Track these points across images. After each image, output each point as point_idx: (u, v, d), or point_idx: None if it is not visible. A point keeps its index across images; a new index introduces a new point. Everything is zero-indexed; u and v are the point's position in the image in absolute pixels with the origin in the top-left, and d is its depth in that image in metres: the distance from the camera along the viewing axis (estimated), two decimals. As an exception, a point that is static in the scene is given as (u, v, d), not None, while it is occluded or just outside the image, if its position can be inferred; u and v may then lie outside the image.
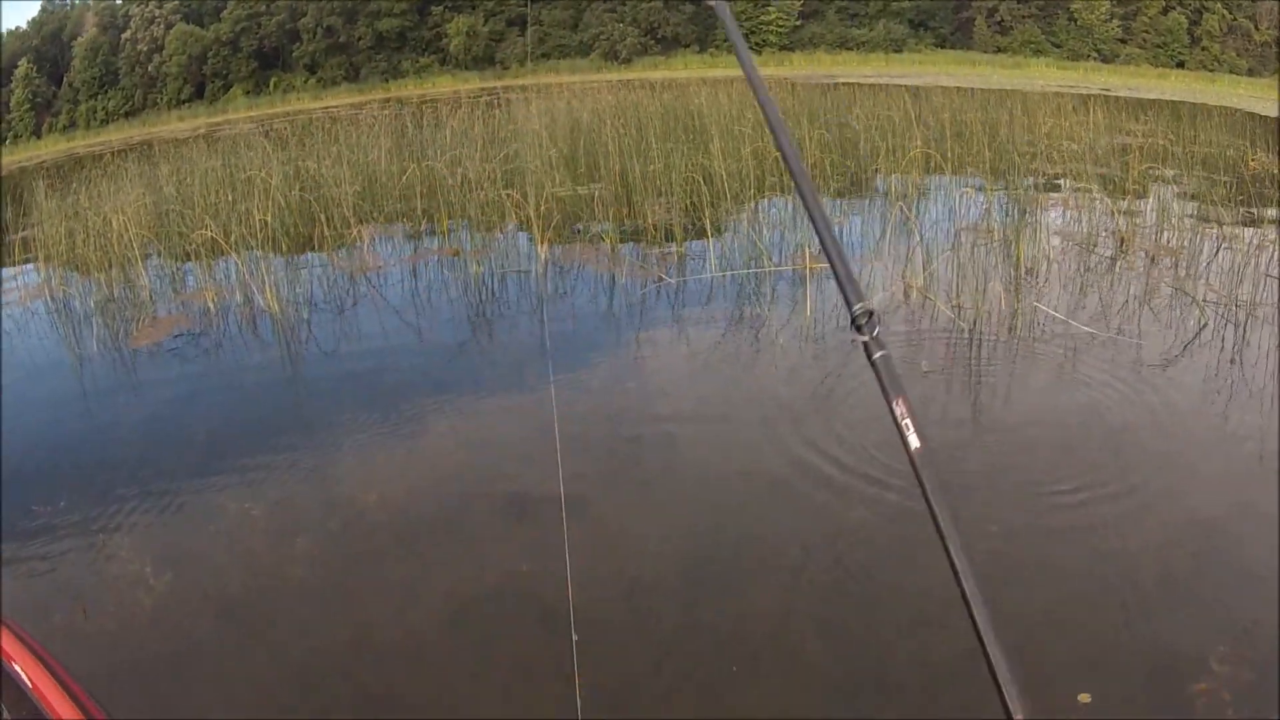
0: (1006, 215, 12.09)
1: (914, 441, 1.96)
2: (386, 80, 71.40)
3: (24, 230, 16.90)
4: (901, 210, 12.73)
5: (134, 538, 5.87)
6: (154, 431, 7.79)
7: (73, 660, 3.49)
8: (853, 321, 2.09)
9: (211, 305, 11.09)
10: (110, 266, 12.63)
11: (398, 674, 4.56)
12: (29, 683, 3.39)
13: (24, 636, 3.66)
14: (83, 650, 4.63)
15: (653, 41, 70.60)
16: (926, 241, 10.62)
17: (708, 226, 12.04)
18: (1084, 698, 4.05)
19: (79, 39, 74.06)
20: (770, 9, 70.07)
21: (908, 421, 1.98)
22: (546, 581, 5.04)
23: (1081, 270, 10.42)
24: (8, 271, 14.78)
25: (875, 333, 2.07)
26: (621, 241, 12.57)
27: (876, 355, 2.06)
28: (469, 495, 6.39)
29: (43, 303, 12.16)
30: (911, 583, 4.96)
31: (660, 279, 10.88)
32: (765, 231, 12.32)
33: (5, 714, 3.20)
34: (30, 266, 14.46)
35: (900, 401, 1.98)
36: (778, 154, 14.15)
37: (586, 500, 6.04)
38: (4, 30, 76.35)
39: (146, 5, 72.63)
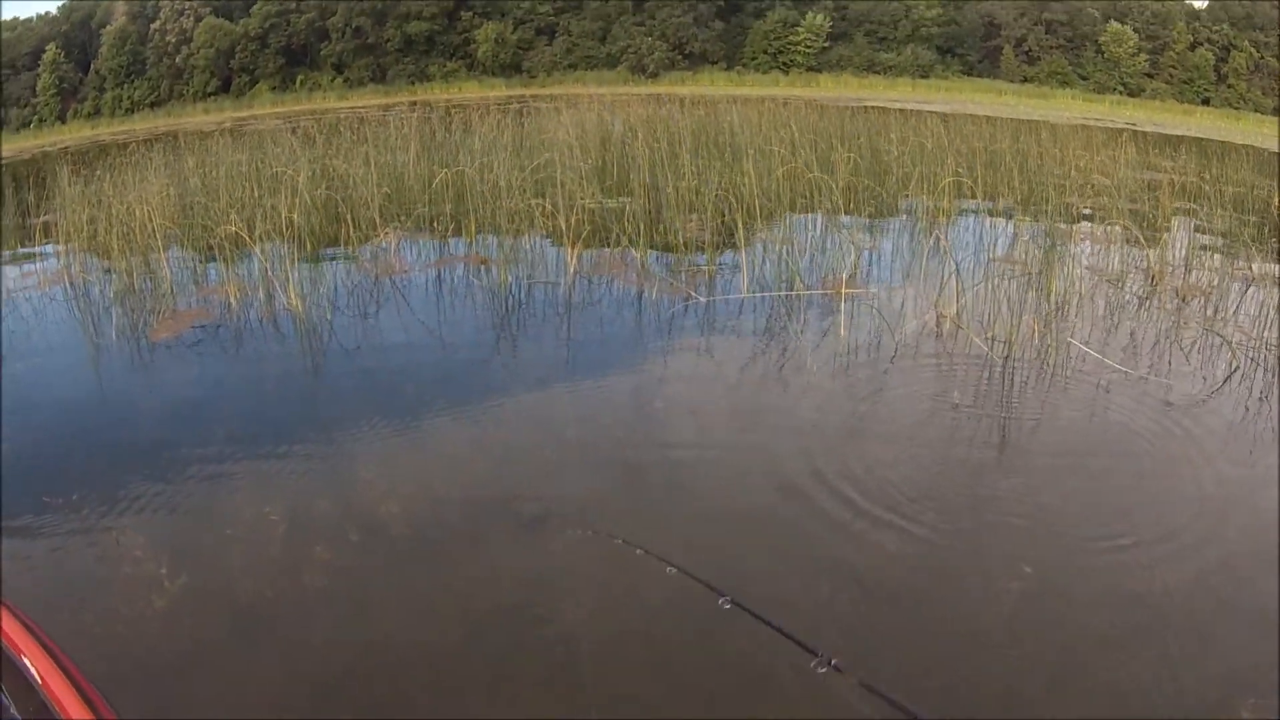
0: (1038, 247, 11.96)
1: None
2: (413, 83, 71.52)
3: (45, 215, 16.80)
4: (936, 238, 12.63)
5: (148, 535, 5.74)
6: (172, 427, 7.62)
7: (79, 657, 3.50)
8: None
9: (233, 301, 10.93)
10: (131, 256, 12.48)
11: (411, 686, 4.47)
12: (38, 677, 3.40)
13: (34, 629, 3.70)
14: (89, 648, 4.49)
15: (680, 57, 70.63)
16: (959, 270, 10.44)
17: (740, 245, 11.90)
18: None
19: (108, 27, 74.21)
20: (799, 29, 70.10)
21: None
22: (563, 598, 5.03)
23: (1113, 307, 10.26)
24: (26, 255, 14.64)
25: None
26: (652, 257, 12.41)
27: None
28: (487, 507, 6.26)
29: (61, 289, 12.05)
30: (924, 623, 4.93)
31: (690, 297, 10.72)
32: (798, 253, 12.12)
33: (12, 709, 3.23)
34: (50, 250, 14.36)
35: None
36: (811, 176, 14.22)
37: (605, 517, 5.91)
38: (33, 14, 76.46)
39: (176, -2, 72.82)
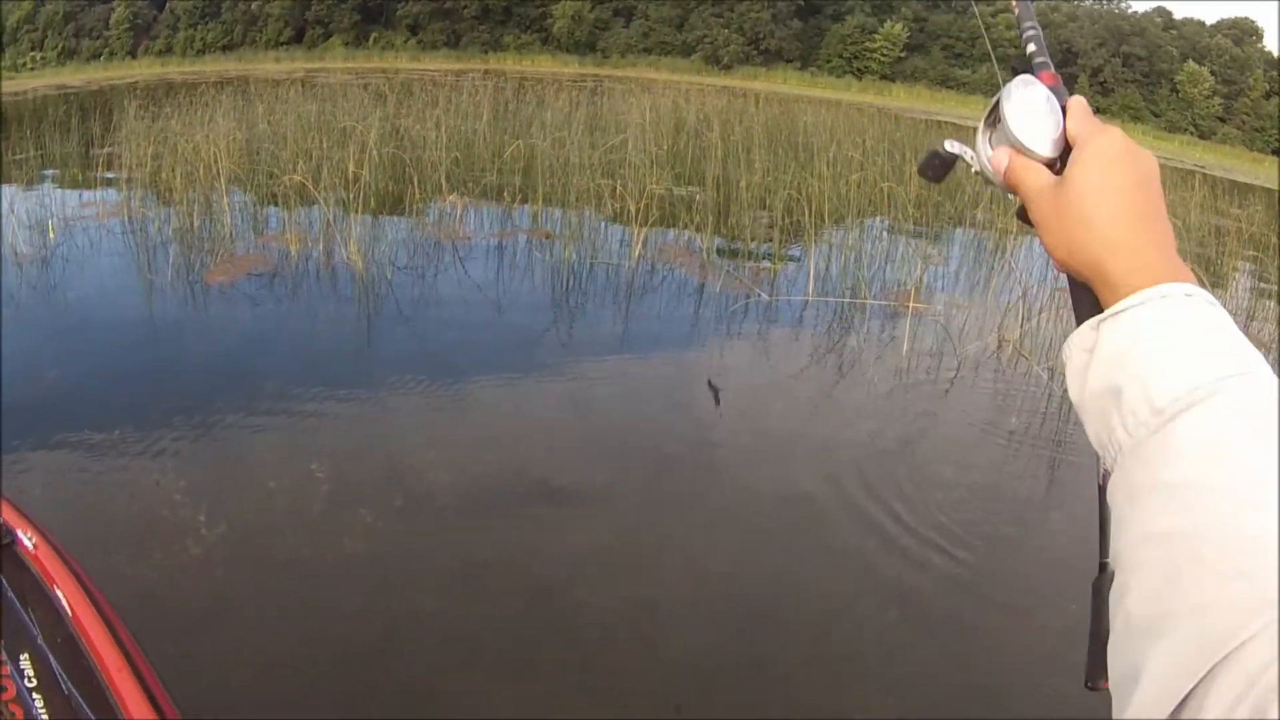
0: None
1: None
2: (485, 52, 71.56)
3: (109, 146, 16.78)
4: (1003, 260, 12.48)
5: (189, 480, 5.63)
6: (221, 373, 7.55)
7: (108, 595, 3.59)
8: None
9: (293, 250, 10.84)
10: (193, 195, 12.39)
11: (441, 662, 4.39)
12: (68, 609, 3.61)
13: (68, 560, 3.91)
14: (118, 589, 4.27)
15: (755, 52, 70.42)
16: (1020, 296, 10.29)
17: (806, 247, 11.77)
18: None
19: (181, -32, 74.43)
20: (876, 37, 69.84)
21: None
22: (595, 583, 5.01)
23: None
24: (87, 186, 14.58)
25: None
26: (717, 249, 12.28)
27: None
28: (531, 484, 6.15)
29: (120, 221, 11.95)
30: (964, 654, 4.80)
31: (754, 293, 10.57)
32: (865, 261, 11.94)
33: (40, 640, 3.41)
34: (111, 181, 14.27)
35: None
36: (885, 185, 14.08)
37: (643, 506, 5.92)
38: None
39: (259, -56, 72.97)
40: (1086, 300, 1.02)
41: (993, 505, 6.38)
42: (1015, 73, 1.22)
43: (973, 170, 1.16)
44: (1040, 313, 10.17)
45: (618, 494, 6.11)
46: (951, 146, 1.19)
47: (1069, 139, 1.07)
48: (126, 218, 12.12)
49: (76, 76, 54.16)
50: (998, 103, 1.12)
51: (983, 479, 6.72)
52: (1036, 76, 1.15)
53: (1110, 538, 0.85)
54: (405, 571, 5.01)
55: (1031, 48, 1.31)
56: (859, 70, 70.01)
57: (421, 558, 5.15)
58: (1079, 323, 0.98)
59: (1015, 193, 1.09)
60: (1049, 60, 1.26)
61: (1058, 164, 1.07)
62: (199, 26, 73.34)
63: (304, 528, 5.27)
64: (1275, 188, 33.95)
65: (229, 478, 5.80)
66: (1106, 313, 0.92)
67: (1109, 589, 0.80)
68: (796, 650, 4.68)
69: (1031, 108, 1.10)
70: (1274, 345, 10.56)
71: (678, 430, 7.18)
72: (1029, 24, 1.33)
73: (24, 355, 7.50)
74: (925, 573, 5.43)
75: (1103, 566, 0.97)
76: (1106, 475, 0.89)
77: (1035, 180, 1.06)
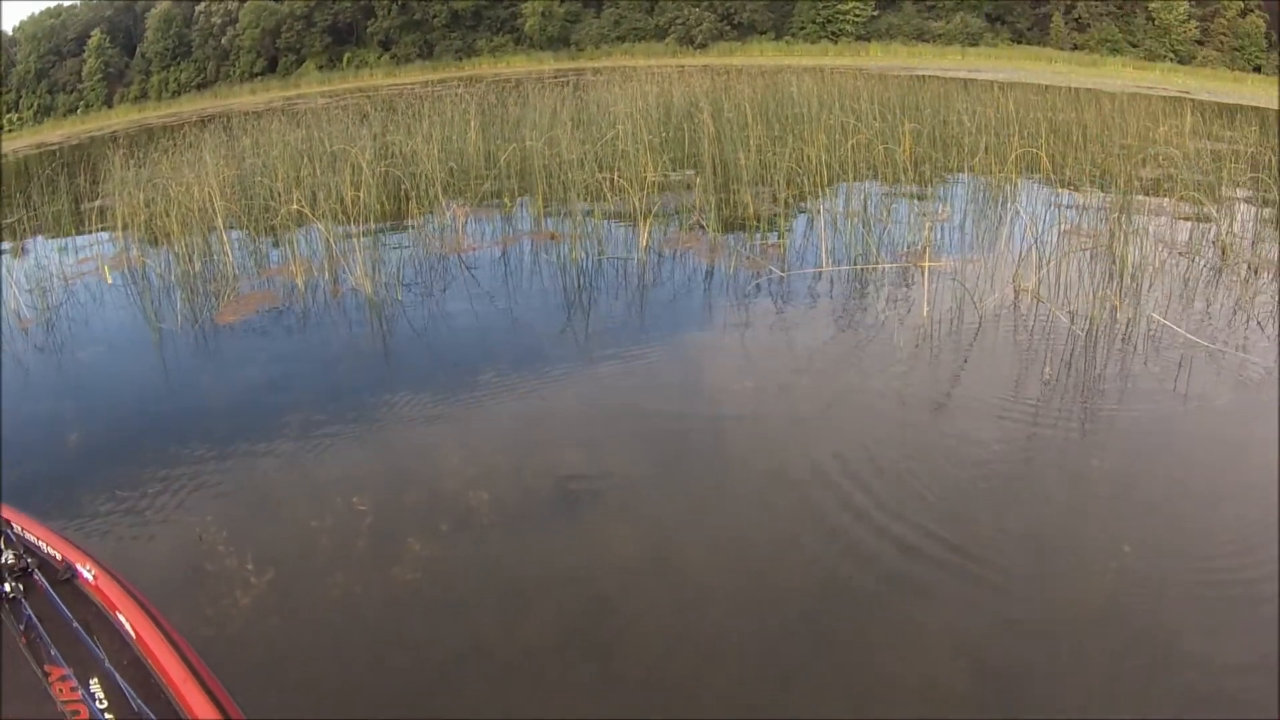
0: (1108, 220, 11.71)
1: None
2: (460, 58, 71.72)
3: (99, 200, 16.73)
4: (1010, 210, 12.50)
5: (231, 529, 5.55)
6: (246, 414, 7.43)
7: None
8: None
9: (299, 281, 10.74)
10: (191, 238, 12.30)
11: (509, 687, 4.32)
12: (132, 632, 3.98)
13: (128, 587, 4.25)
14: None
15: (728, 27, 70.36)
16: (1032, 243, 10.21)
17: (812, 218, 11.71)
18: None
19: (153, 10, 74.63)
20: (848, -2, 69.78)
21: None
22: (655, 594, 4.93)
23: (1186, 279, 10.03)
24: (82, 240, 14.47)
25: None
26: (724, 231, 12.16)
27: None
28: (576, 494, 6.03)
29: (120, 274, 11.83)
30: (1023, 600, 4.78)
31: (769, 271, 10.48)
32: (871, 226, 11.84)
33: (106, 663, 3.76)
34: (105, 236, 14.19)
35: None
36: (883, 147, 14.01)
37: (690, 506, 5.85)
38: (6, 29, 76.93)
39: (221, -22, 73.11)
40: None
41: (1038, 453, 6.34)
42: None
43: None
44: (1049, 260, 10.05)
45: (658, 490, 6.03)
46: None
47: None
48: (126, 269, 12.01)
49: (55, 133, 54.39)
50: None
51: (1022, 429, 6.63)
52: None
53: None
54: (460, 596, 4.94)
55: None
56: (834, 34, 69.82)
57: (475, 581, 5.07)
58: None
59: None
60: None
61: None
62: (171, 68, 73.59)
63: (352, 564, 5.17)
64: (1260, 105, 33.85)
65: (270, 522, 5.71)
66: None
67: None
68: (868, 628, 4.63)
69: None
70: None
71: (710, 418, 7.09)
72: None
73: (42, 421, 7.41)
74: (977, 523, 5.43)
75: None
76: None
77: None
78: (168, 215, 12.75)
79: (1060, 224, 11.82)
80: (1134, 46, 65.94)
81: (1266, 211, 12.70)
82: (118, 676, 3.69)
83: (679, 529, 5.56)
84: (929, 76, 32.94)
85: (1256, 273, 10.32)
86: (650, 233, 11.61)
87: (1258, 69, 61.67)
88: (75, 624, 4.03)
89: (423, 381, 7.90)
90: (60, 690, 3.70)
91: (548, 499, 5.95)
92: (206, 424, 7.21)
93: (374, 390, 7.79)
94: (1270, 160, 15.69)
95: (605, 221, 12.64)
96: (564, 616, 4.76)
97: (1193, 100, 28.64)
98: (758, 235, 12.01)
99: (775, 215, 12.44)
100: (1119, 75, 51.83)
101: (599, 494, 6.01)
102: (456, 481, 6.06)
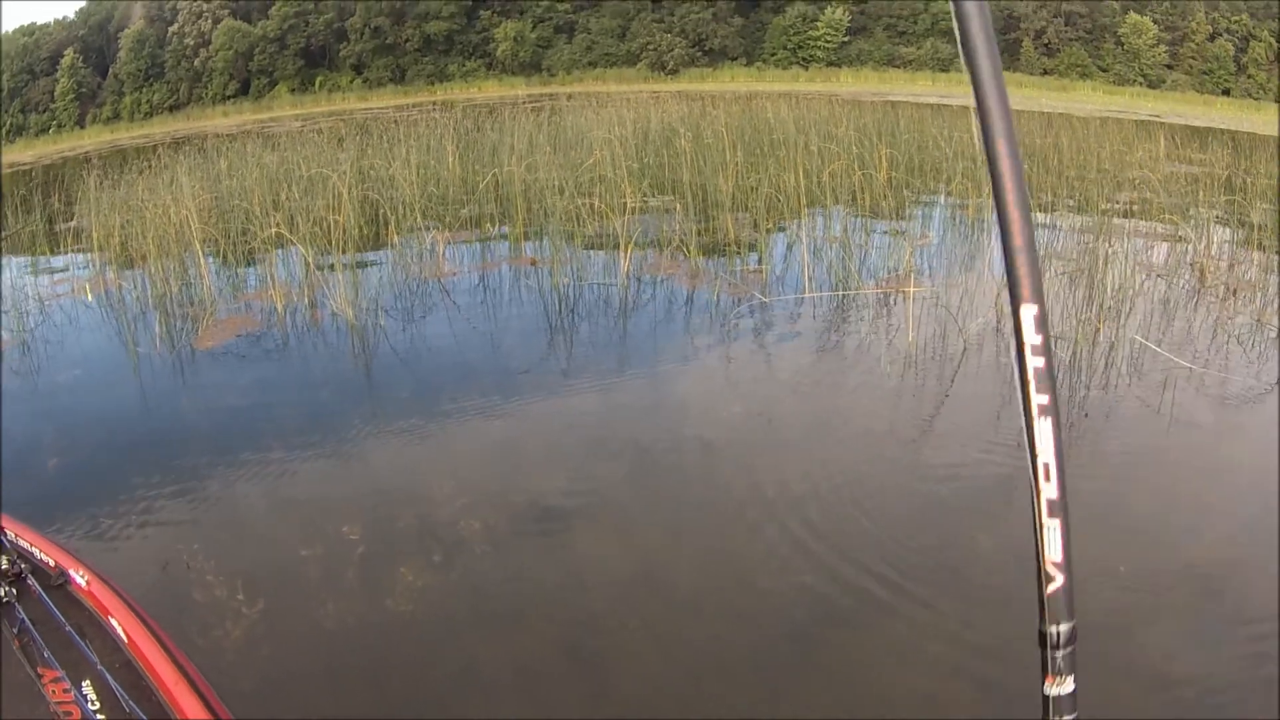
0: (1086, 243, 11.88)
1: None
2: (432, 83, 71.79)
3: (73, 220, 16.61)
4: (988, 233, 12.73)
5: (219, 559, 5.44)
6: (228, 442, 7.27)
7: None
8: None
9: (279, 306, 10.68)
10: (168, 261, 12.21)
11: (514, 712, 4.26)
12: (123, 635, 4.05)
13: (119, 592, 4.35)
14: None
15: (700, 53, 70.58)
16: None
17: (793, 244, 11.74)
18: None
19: (126, 30, 74.39)
20: (818, 24, 70.00)
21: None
22: (652, 612, 4.91)
23: (1165, 301, 10.19)
24: (58, 261, 14.37)
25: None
26: (705, 256, 12.18)
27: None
28: (567, 517, 6.03)
29: (97, 296, 11.72)
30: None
31: (751, 297, 10.53)
32: (852, 251, 11.87)
33: (99, 665, 3.84)
34: (81, 258, 14.08)
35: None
36: (861, 174, 14.03)
37: (683, 530, 5.82)
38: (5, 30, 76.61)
39: (194, 0, 72.89)
40: None
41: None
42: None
43: None
44: None
45: (644, 513, 6.02)
46: None
47: None
48: (103, 291, 11.90)
49: (27, 153, 54.04)
50: None
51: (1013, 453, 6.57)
52: None
53: None
54: (456, 624, 4.88)
55: None
56: (804, 60, 70.19)
57: (469, 608, 5.01)
58: None
59: None
60: None
61: None
62: (144, 89, 73.31)
63: (344, 594, 5.09)
64: (1230, 128, 34.17)
65: (259, 552, 5.63)
66: None
67: None
68: (858, 642, 4.64)
69: None
70: (1261, 288, 10.60)
71: (696, 444, 7.08)
72: None
73: (21, 447, 7.27)
74: (974, 542, 5.46)
75: None
76: None
77: None
78: (144, 237, 12.64)
79: (1040, 248, 11.83)
80: (1103, 71, 66.50)
81: (1241, 233, 12.79)
82: (109, 678, 3.79)
83: (666, 549, 5.55)
84: (901, 102, 33.16)
85: (1235, 293, 10.44)
86: (631, 259, 11.59)
87: (1226, 92, 62.36)
88: (68, 627, 4.14)
89: (405, 407, 7.86)
90: (53, 692, 3.80)
91: (536, 524, 5.92)
92: (189, 452, 7.09)
93: (358, 416, 7.72)
94: (1246, 183, 15.83)
95: (587, 247, 12.63)
96: (563, 637, 4.75)
97: (1163, 124, 28.88)
98: (739, 260, 12.03)
99: (756, 241, 12.50)
100: (1089, 99, 52.33)
101: (587, 517, 5.99)
102: (447, 510, 6.01)
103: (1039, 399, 1.65)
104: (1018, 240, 1.72)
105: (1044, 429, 1.66)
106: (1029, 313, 1.65)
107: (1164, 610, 4.86)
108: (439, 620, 4.91)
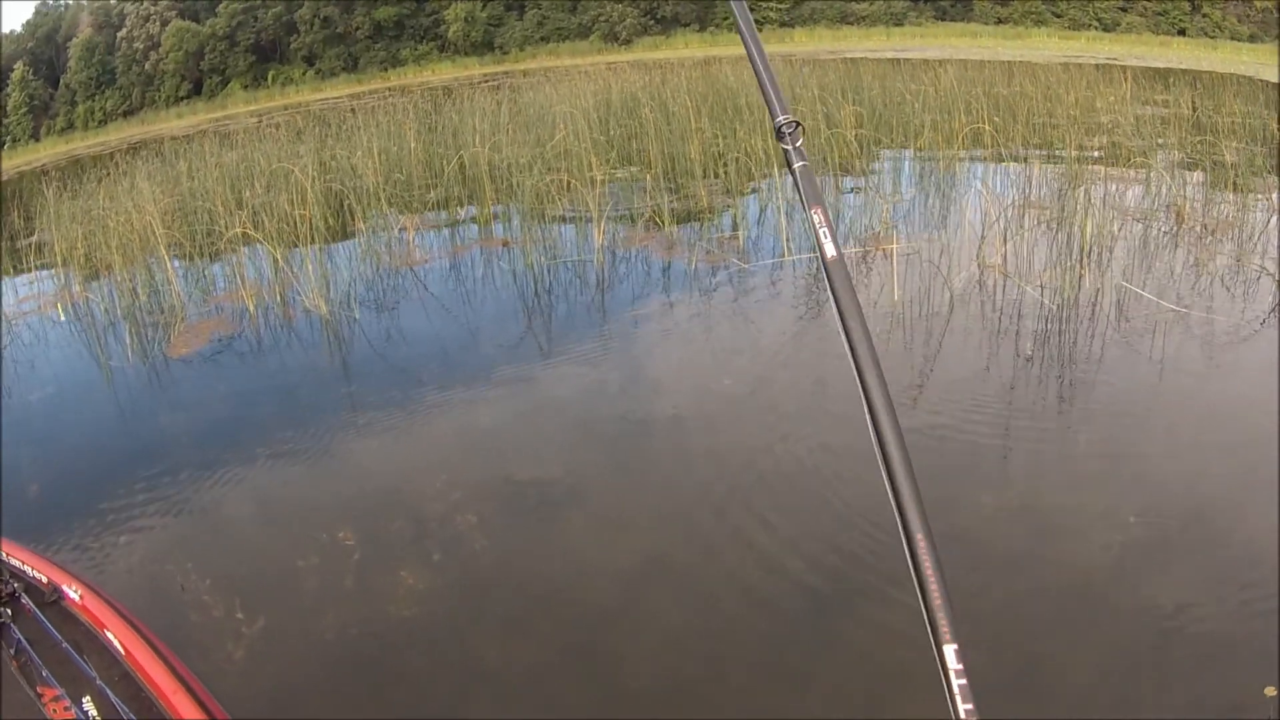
0: (1061, 190, 11.88)
1: (830, 250, 2.05)
2: (385, 69, 71.48)
3: (35, 235, 16.40)
4: (969, 187, 12.83)
5: (214, 577, 5.29)
6: (211, 450, 7.09)
7: None
8: (778, 133, 2.21)
9: (250, 306, 10.52)
10: (135, 269, 12.06)
11: (527, 711, 4.17)
12: (121, 648, 4.03)
13: (116, 606, 4.31)
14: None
15: (652, 21, 70.35)
16: (992, 220, 10.27)
17: (767, 208, 11.66)
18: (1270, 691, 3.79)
19: (75, 39, 73.99)
20: (771, -15, 69.87)
21: (824, 230, 2.07)
22: (660, 600, 4.82)
23: (1145, 245, 10.08)
24: (21, 279, 14.17)
25: (798, 144, 2.18)
26: (679, 226, 12.12)
27: (797, 165, 2.17)
28: (565, 507, 5.85)
29: (64, 309, 11.52)
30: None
31: (731, 263, 10.43)
32: (831, 211, 11.66)
33: (98, 680, 3.82)
34: (46, 273, 13.86)
35: (817, 210, 2.09)
36: (831, 132, 13.93)
37: (684, 512, 5.65)
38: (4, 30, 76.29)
39: (142, 3, 72.61)
40: None
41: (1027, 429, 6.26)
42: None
43: None
44: (1011, 233, 10.12)
45: (643, 495, 5.91)
46: None
47: None
48: (70, 305, 11.69)
49: (-21, 170, 53.69)
50: None
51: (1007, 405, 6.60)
52: None
53: None
54: (461, 626, 4.75)
55: None
56: (758, 22, 69.58)
57: (473, 608, 4.89)
58: None
59: None
60: None
61: None
62: (96, 97, 72.98)
63: (345, 602, 4.96)
64: (1189, 68, 34.22)
65: (253, 565, 5.48)
66: None
67: None
68: (879, 619, 4.47)
69: None
70: (1240, 227, 10.56)
71: (690, 419, 6.94)
72: None
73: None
74: (978, 503, 5.35)
75: None
76: None
77: None
78: (108, 247, 12.47)
79: (1016, 198, 11.81)
80: (1058, 17, 66.40)
81: (1214, 173, 12.72)
82: (110, 693, 3.77)
83: (671, 531, 5.43)
84: (858, 59, 33.14)
85: (1213, 233, 10.36)
86: (605, 233, 11.52)
87: (1182, 32, 62.40)
88: (65, 644, 4.13)
89: (389, 401, 7.71)
90: (54, 710, 3.79)
91: (534, 514, 5.78)
92: (170, 465, 6.90)
93: (341, 414, 7.58)
94: (1215, 122, 15.82)
95: (557, 224, 12.52)
96: (572, 632, 4.64)
97: (1123, 66, 28.78)
98: (714, 228, 11.94)
99: (729, 207, 12.47)
100: (1045, 46, 52.30)
101: (585, 502, 5.88)
102: (442, 506, 5.88)
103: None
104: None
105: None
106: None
107: (1174, 560, 4.78)
108: (441, 621, 4.79)
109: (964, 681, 1.66)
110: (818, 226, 2.06)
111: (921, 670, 1.88)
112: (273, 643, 4.69)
